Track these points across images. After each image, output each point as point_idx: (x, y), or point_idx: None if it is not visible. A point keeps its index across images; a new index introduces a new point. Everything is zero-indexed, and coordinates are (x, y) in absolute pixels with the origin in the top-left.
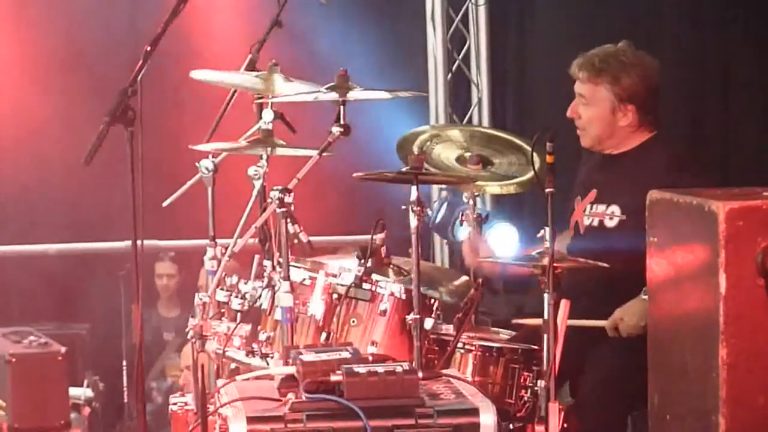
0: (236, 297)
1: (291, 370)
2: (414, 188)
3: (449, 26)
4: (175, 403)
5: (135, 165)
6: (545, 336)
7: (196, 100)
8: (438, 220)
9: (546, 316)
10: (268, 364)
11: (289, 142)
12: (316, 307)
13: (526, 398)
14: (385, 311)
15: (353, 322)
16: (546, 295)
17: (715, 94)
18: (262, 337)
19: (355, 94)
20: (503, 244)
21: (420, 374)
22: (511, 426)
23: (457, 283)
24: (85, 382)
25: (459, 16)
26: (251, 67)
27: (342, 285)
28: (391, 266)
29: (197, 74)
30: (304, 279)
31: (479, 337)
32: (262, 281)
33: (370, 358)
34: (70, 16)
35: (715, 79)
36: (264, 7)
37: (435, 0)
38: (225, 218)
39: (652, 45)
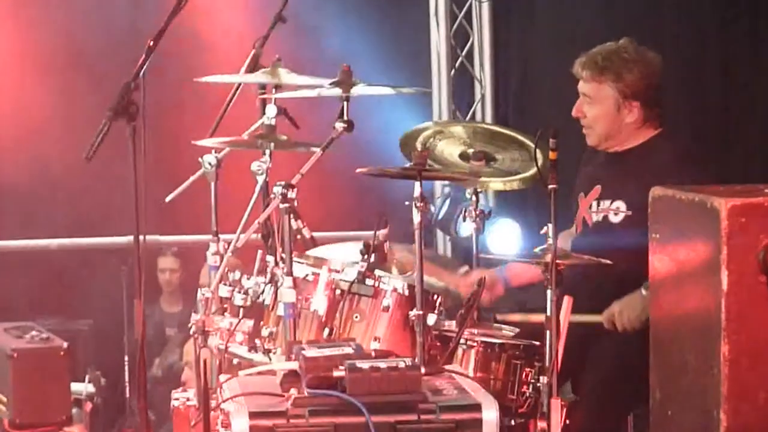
0: (239, 292)
1: (293, 365)
2: (417, 184)
3: (453, 23)
4: (177, 399)
5: (137, 160)
6: (547, 332)
7: (199, 96)
8: (441, 216)
9: (549, 313)
10: (270, 359)
11: (292, 137)
12: (319, 302)
13: (528, 394)
14: (388, 307)
15: (356, 317)
16: (549, 292)
17: (715, 94)
18: (264, 332)
19: (359, 89)
20: (506, 240)
21: (422, 370)
22: (513, 422)
23: (459, 272)
24: (87, 378)
25: (462, 12)
26: (254, 62)
27: (345, 281)
28: (395, 261)
29: (201, 79)
30: (307, 275)
31: (481, 333)
32: (265, 277)
33: (373, 353)
34: (70, 16)
35: (715, 79)
36: (267, 3)
37: None
38: (228, 214)
39: (653, 43)
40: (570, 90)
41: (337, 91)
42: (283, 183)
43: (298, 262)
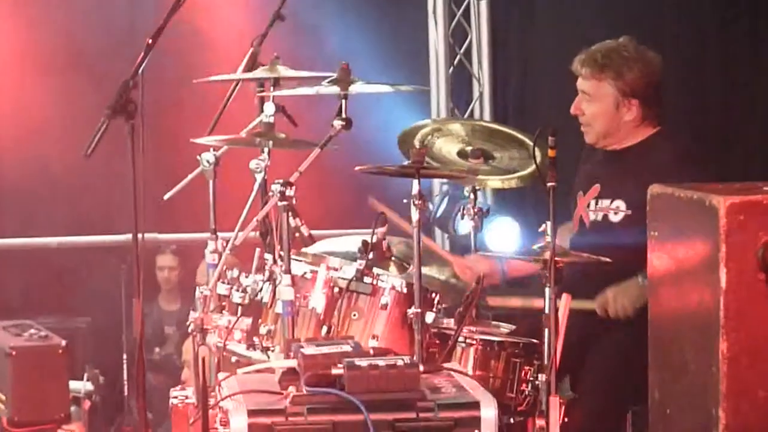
0: (237, 290)
1: (292, 363)
2: (415, 182)
3: (451, 21)
4: (175, 397)
5: (136, 158)
6: (546, 330)
7: (197, 94)
8: (439, 214)
9: (547, 311)
10: (269, 357)
11: (291, 135)
12: (317, 300)
13: (527, 392)
14: (386, 305)
15: (354, 315)
16: (547, 289)
17: (715, 93)
18: (263, 330)
19: (357, 87)
20: (504, 238)
21: (421, 368)
22: (511, 420)
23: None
24: (86, 376)
25: (461, 10)
26: (253, 60)
27: (343, 278)
28: (393, 259)
29: (200, 80)
30: (305, 272)
31: (480, 331)
32: (263, 275)
33: (371, 351)
34: (70, 15)
35: (715, 79)
36: (266, 1)
37: None
38: (226, 212)
39: (653, 43)
40: (569, 88)
41: (336, 89)
42: (281, 181)
43: (297, 260)
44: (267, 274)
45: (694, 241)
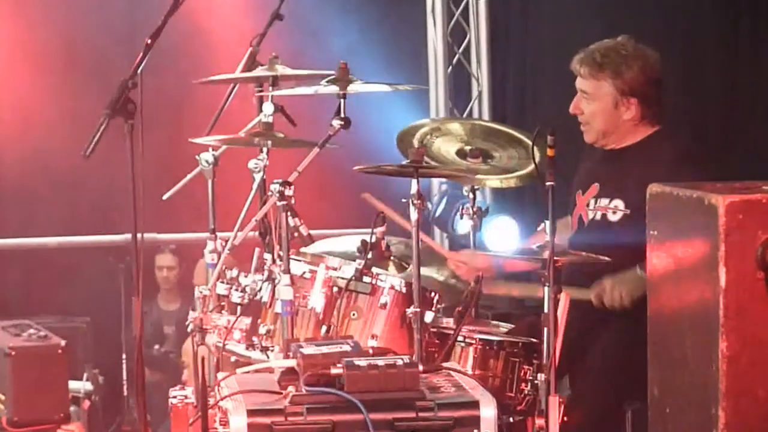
0: (236, 290)
1: (291, 363)
2: (414, 181)
3: (450, 20)
4: (174, 397)
5: (135, 158)
6: (545, 329)
7: (196, 93)
8: (438, 213)
9: (546, 310)
10: (268, 357)
11: (290, 135)
12: (317, 300)
13: (526, 391)
14: (385, 304)
15: (353, 315)
16: (546, 289)
17: (715, 93)
18: (262, 330)
19: (356, 87)
20: (503, 237)
21: (420, 367)
22: (511, 419)
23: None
24: (85, 376)
25: (459, 9)
26: (252, 60)
27: (342, 278)
28: (392, 258)
29: (199, 80)
30: (304, 272)
31: (479, 331)
32: (263, 274)
33: (371, 351)
34: (70, 15)
35: (715, 79)
36: (265, 0)
37: None
38: (225, 211)
39: (653, 42)
40: (568, 87)
41: (334, 89)
42: (280, 181)
43: (296, 260)
44: (266, 273)
45: (693, 240)
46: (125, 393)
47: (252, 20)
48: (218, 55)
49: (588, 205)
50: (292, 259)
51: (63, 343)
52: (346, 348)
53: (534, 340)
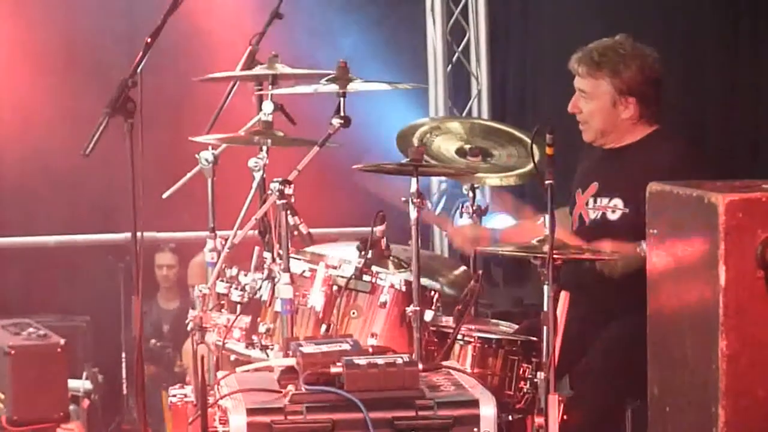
0: (236, 289)
1: (291, 361)
2: (414, 180)
3: (449, 18)
4: (174, 395)
5: (135, 157)
6: (545, 327)
7: (196, 92)
8: (438, 212)
9: (546, 308)
10: (268, 355)
11: (289, 134)
12: (316, 298)
13: (525, 390)
14: (385, 303)
15: (353, 314)
16: (545, 287)
17: (715, 93)
18: (261, 328)
19: (356, 86)
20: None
21: (420, 366)
22: (510, 418)
23: (456, 273)
24: (85, 374)
25: (459, 8)
26: (251, 59)
27: (342, 277)
28: (391, 258)
29: (198, 78)
30: (304, 271)
31: (479, 329)
32: (262, 273)
33: (370, 349)
34: (70, 14)
35: (715, 79)
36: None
37: None
38: (225, 210)
39: (653, 42)
40: (567, 85)
41: (334, 88)
42: (280, 179)
43: (295, 259)
44: (266, 272)
45: (693, 239)
46: (125, 392)
47: (252, 19)
48: (218, 54)
49: (587, 204)
50: (292, 257)
51: (62, 341)
52: (346, 347)
53: (533, 338)
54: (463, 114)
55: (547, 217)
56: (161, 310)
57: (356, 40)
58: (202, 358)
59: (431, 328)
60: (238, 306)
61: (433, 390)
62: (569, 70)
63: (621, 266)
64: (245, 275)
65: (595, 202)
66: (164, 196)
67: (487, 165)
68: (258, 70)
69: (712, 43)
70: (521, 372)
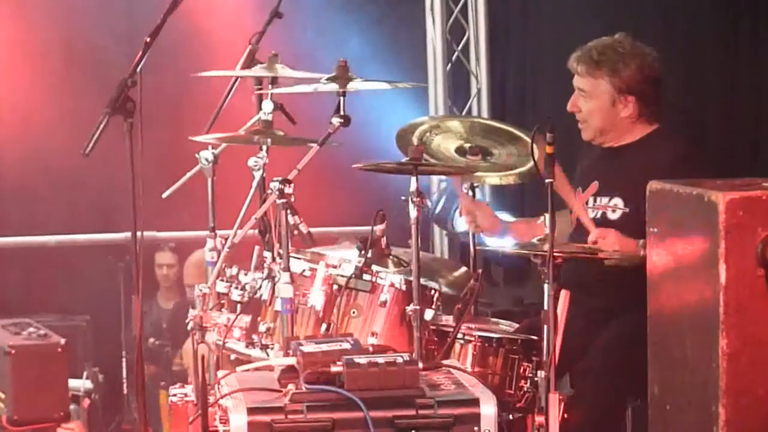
0: (236, 288)
1: (291, 361)
2: (414, 179)
3: (448, 17)
4: (174, 395)
5: (134, 156)
6: (545, 326)
7: (196, 92)
8: (437, 211)
9: (546, 307)
10: (268, 355)
11: (289, 133)
12: (317, 298)
13: (525, 389)
14: (385, 302)
15: (353, 313)
16: (546, 285)
17: (715, 93)
18: (262, 328)
19: (355, 85)
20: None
21: (420, 365)
22: (511, 417)
23: (456, 274)
24: (85, 374)
25: (458, 7)
26: (251, 58)
27: (342, 276)
28: (391, 257)
29: (198, 74)
30: (304, 270)
31: (479, 328)
32: (262, 272)
33: (371, 348)
34: (69, 13)
35: (715, 79)
36: None
37: None
38: (225, 209)
39: (652, 42)
40: (567, 84)
41: (334, 87)
42: (279, 179)
43: (296, 258)
44: (266, 271)
45: (693, 238)
46: (125, 391)
47: (251, 19)
48: (218, 53)
49: (587, 203)
50: (292, 256)
51: (63, 341)
52: (346, 346)
53: (533, 337)
54: (463, 113)
55: (548, 216)
56: (161, 310)
57: (356, 39)
58: (203, 357)
59: (431, 327)
60: (239, 305)
61: (434, 389)
62: (569, 69)
63: (618, 256)
64: (245, 274)
65: (595, 201)
66: (164, 195)
67: (486, 164)
68: (257, 72)
69: (712, 42)
70: (522, 371)
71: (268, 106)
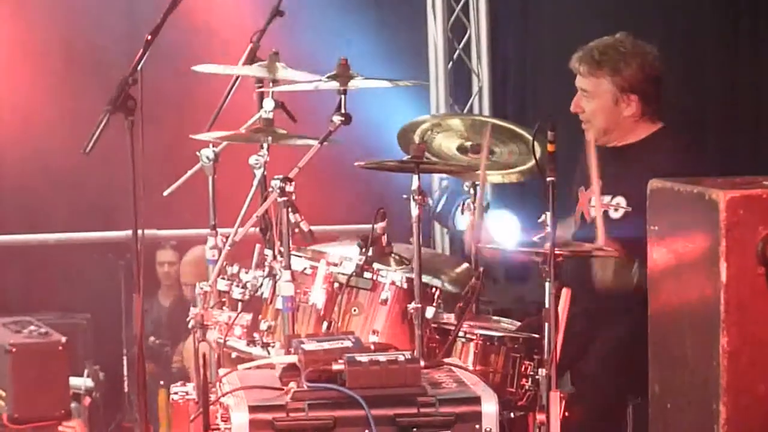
0: (237, 286)
1: (293, 359)
2: (415, 177)
3: (450, 15)
4: (176, 393)
5: (135, 154)
6: (546, 325)
7: (197, 90)
8: (439, 209)
9: (547, 305)
10: (269, 353)
11: (290, 131)
12: (318, 296)
13: (527, 387)
14: (386, 300)
15: (354, 311)
16: (547, 284)
17: (716, 93)
18: (263, 326)
19: (356, 83)
20: (504, 232)
21: (422, 363)
22: (512, 415)
23: (458, 270)
24: (86, 372)
25: (459, 5)
26: (252, 56)
27: (343, 274)
28: (393, 255)
29: (200, 68)
30: (305, 268)
31: (480, 326)
32: (263, 270)
33: (372, 347)
34: (69, 12)
35: (715, 79)
36: None
37: None
38: (226, 207)
39: (654, 41)
40: (568, 82)
41: (335, 85)
42: (281, 177)
43: (297, 256)
44: (267, 269)
45: (694, 236)
46: (126, 389)
47: (252, 17)
48: (219, 51)
49: (590, 202)
50: (293, 254)
51: (63, 339)
52: (348, 344)
53: (535, 335)
54: (464, 111)
55: (549, 214)
56: (162, 308)
57: (357, 38)
58: (204, 355)
59: (432, 325)
60: (240, 303)
61: (435, 387)
62: (571, 69)
63: (613, 280)
64: (246, 273)
65: None
66: (165, 193)
67: (488, 162)
68: (257, 72)
69: (713, 42)
70: (523, 369)
71: (269, 104)
